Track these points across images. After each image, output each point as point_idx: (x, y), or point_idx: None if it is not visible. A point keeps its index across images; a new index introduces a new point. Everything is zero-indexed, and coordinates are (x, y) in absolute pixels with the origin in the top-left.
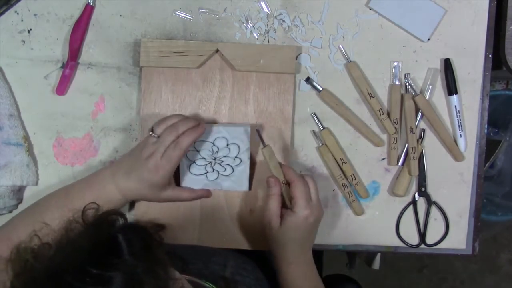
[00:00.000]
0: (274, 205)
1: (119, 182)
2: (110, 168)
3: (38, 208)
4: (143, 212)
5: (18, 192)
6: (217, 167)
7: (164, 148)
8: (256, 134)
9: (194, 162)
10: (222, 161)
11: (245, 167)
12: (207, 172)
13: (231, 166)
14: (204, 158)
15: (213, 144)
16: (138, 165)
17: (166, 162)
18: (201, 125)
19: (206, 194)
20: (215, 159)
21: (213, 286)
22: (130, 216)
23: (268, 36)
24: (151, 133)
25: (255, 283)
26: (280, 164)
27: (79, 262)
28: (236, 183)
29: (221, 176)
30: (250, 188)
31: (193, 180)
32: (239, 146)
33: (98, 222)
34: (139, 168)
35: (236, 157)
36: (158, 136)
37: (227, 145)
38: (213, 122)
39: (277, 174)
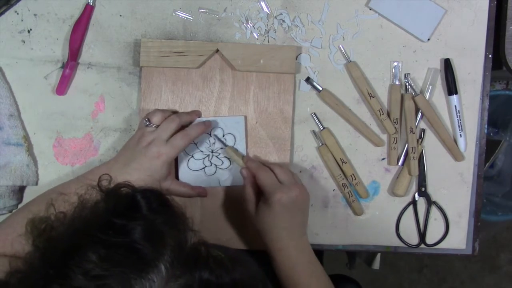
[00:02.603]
0: (248, 194)
1: (116, 176)
2: (105, 164)
3: (35, 205)
4: None
5: (18, 192)
6: (214, 160)
7: (166, 135)
8: (216, 138)
9: (192, 156)
10: (219, 153)
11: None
12: (205, 166)
13: (228, 158)
14: (202, 151)
15: (210, 134)
16: (137, 154)
17: (170, 149)
18: (208, 122)
19: (203, 192)
20: (212, 151)
21: (221, 254)
22: None
23: (268, 36)
24: (146, 122)
25: (254, 281)
26: (243, 157)
27: (104, 217)
28: (233, 176)
29: (219, 170)
30: None
31: (191, 175)
32: (234, 136)
33: (114, 190)
34: (137, 157)
35: (233, 146)
36: (156, 126)
37: (224, 135)
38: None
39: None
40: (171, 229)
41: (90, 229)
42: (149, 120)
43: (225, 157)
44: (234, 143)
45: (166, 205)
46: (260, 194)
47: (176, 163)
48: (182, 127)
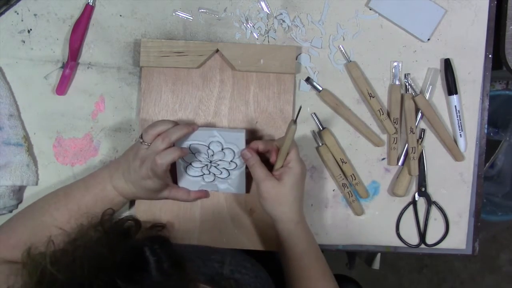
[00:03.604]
0: (260, 172)
1: (117, 184)
2: (108, 169)
3: (37, 209)
4: (143, 211)
5: (18, 192)
6: (213, 170)
7: (154, 155)
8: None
9: (191, 164)
10: (218, 165)
11: (241, 172)
12: (204, 174)
13: (227, 169)
14: (200, 161)
15: (208, 147)
16: (132, 171)
17: (157, 169)
18: (191, 126)
19: (203, 195)
20: (211, 162)
21: None
22: (131, 213)
23: (268, 36)
24: (140, 140)
25: (254, 280)
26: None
27: (107, 275)
28: (232, 186)
29: (218, 178)
30: (248, 191)
31: (189, 181)
32: (233, 151)
33: (116, 230)
34: (133, 175)
35: (231, 161)
36: (148, 144)
37: (222, 149)
38: (211, 125)
39: (284, 150)
40: None
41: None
42: (142, 138)
43: (223, 168)
44: (233, 157)
45: (178, 265)
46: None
47: (174, 169)
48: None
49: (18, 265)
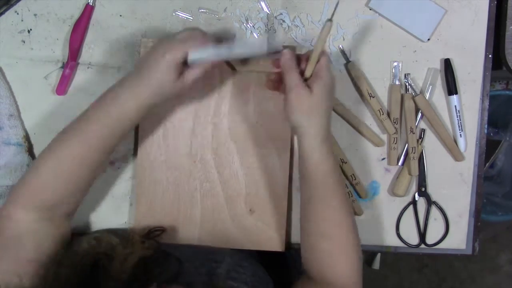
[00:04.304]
0: (295, 77)
1: (132, 89)
2: (120, 81)
3: (59, 145)
4: (144, 212)
5: None
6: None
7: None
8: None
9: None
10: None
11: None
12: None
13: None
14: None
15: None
16: (148, 58)
17: (177, 44)
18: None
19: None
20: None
21: None
22: (131, 218)
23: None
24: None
25: (252, 279)
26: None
27: None
28: (251, 45)
29: (235, 43)
30: (269, 50)
31: (203, 50)
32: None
33: (84, 266)
34: (149, 61)
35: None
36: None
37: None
38: (212, 121)
39: (315, 54)
40: None
41: None
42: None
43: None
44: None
45: None
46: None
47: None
48: None
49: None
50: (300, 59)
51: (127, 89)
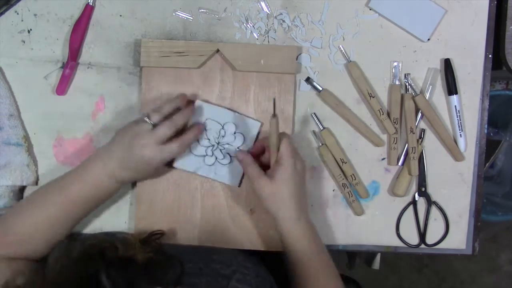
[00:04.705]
0: (254, 171)
1: (114, 172)
2: (100, 158)
3: (35, 204)
4: (144, 214)
5: (18, 192)
6: (217, 152)
7: (161, 140)
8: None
9: (198, 141)
10: (224, 148)
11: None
12: (206, 155)
13: (231, 156)
14: (209, 139)
15: (222, 127)
16: (132, 157)
17: (165, 155)
18: (202, 125)
19: (199, 131)
20: (218, 143)
21: None
22: (131, 218)
23: (268, 36)
24: (146, 119)
25: (256, 280)
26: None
27: None
28: (229, 174)
29: (218, 163)
30: (239, 185)
31: (190, 158)
32: (244, 137)
33: (84, 257)
34: (133, 161)
35: (239, 147)
36: (154, 125)
37: (234, 133)
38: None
39: (272, 146)
40: None
41: None
42: (148, 117)
43: (227, 153)
44: (242, 144)
45: (133, 284)
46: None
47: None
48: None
49: (18, 261)
50: (264, 148)
51: (105, 168)
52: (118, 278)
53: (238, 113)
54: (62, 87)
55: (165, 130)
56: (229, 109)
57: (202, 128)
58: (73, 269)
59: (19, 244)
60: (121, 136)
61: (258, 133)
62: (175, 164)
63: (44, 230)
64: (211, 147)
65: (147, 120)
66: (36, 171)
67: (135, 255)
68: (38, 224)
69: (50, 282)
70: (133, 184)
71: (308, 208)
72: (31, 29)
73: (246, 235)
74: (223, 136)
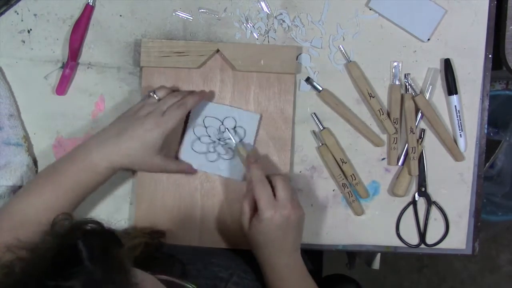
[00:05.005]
0: (245, 207)
1: (106, 148)
2: (95, 136)
3: (33, 189)
4: (144, 213)
5: None
6: (219, 148)
7: (166, 107)
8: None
9: (199, 138)
10: (226, 143)
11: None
12: (208, 152)
13: (233, 150)
14: (209, 136)
15: (222, 123)
16: (133, 122)
17: (167, 119)
18: (204, 91)
19: (190, 169)
20: (219, 139)
21: (194, 286)
22: (131, 218)
23: (268, 36)
24: (152, 93)
25: (254, 284)
26: (248, 156)
27: (39, 275)
28: (232, 169)
29: (221, 159)
30: (244, 179)
31: (192, 156)
32: (245, 131)
33: (68, 233)
34: (134, 126)
35: (241, 141)
36: (159, 99)
37: (235, 127)
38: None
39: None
40: (111, 283)
41: None
42: (154, 92)
43: (229, 148)
44: (243, 137)
45: (108, 248)
46: (256, 208)
47: (179, 142)
48: None
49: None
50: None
51: (100, 151)
52: (95, 243)
53: (235, 107)
54: (62, 87)
55: (170, 99)
56: (226, 105)
57: (203, 94)
58: (56, 240)
59: (20, 228)
60: (125, 112)
61: (258, 125)
62: (180, 157)
63: (42, 215)
64: (212, 144)
65: (152, 94)
66: (36, 171)
67: (140, 242)
68: (37, 209)
69: (31, 250)
70: (133, 184)
71: (306, 209)
72: (31, 29)
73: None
74: (223, 132)
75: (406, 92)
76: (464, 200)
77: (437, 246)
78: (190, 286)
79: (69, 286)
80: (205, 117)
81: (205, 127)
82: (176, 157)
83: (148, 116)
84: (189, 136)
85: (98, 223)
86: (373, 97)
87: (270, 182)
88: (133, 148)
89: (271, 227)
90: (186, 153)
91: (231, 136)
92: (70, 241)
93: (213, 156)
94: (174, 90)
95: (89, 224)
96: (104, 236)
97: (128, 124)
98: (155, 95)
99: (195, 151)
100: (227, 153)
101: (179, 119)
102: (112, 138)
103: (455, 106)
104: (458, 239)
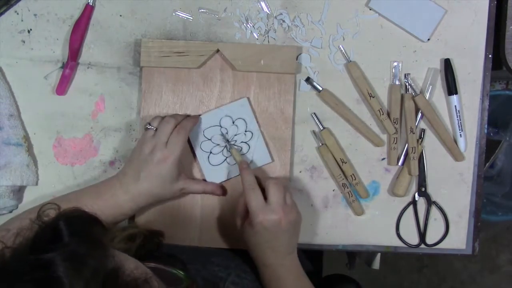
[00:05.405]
0: (239, 209)
1: (128, 188)
2: (116, 177)
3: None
4: (144, 212)
5: (18, 192)
6: (233, 150)
7: (165, 137)
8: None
9: (211, 152)
10: (236, 141)
11: (259, 139)
12: (226, 158)
13: (246, 142)
14: (218, 144)
15: (221, 126)
16: (143, 163)
17: (173, 149)
18: (196, 116)
19: (217, 190)
20: (228, 141)
21: (181, 273)
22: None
23: (268, 36)
24: (148, 125)
25: (253, 285)
26: (241, 162)
27: (21, 252)
28: (258, 156)
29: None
30: (273, 159)
31: (215, 170)
32: (244, 120)
33: (52, 219)
34: (145, 166)
35: (246, 131)
36: (156, 129)
37: (233, 123)
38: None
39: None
40: (91, 256)
41: (7, 266)
42: (149, 124)
43: (242, 142)
44: (246, 127)
45: (88, 228)
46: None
47: (196, 163)
48: None
49: None
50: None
51: (126, 194)
52: (76, 224)
53: (223, 106)
54: (62, 87)
55: (166, 126)
56: (212, 109)
57: (196, 117)
58: (40, 224)
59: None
60: (132, 154)
61: (251, 106)
62: (207, 179)
63: None
64: (225, 149)
65: (149, 126)
66: (36, 171)
67: (140, 231)
68: None
69: (16, 233)
70: None
71: (306, 209)
72: (31, 29)
73: None
74: (226, 133)
75: (406, 92)
76: (464, 200)
77: (437, 246)
78: (177, 272)
79: (49, 258)
80: (203, 130)
81: (209, 139)
82: (203, 179)
83: (153, 151)
84: (201, 155)
85: (83, 211)
86: (373, 97)
87: (264, 186)
88: (153, 187)
89: (262, 231)
90: (208, 171)
91: (224, 140)
92: (53, 224)
93: (232, 159)
94: (163, 117)
95: (75, 212)
96: (85, 219)
97: (139, 164)
98: (151, 127)
99: (214, 165)
100: (243, 148)
101: (182, 144)
102: (131, 179)
103: (455, 106)
104: (458, 239)
